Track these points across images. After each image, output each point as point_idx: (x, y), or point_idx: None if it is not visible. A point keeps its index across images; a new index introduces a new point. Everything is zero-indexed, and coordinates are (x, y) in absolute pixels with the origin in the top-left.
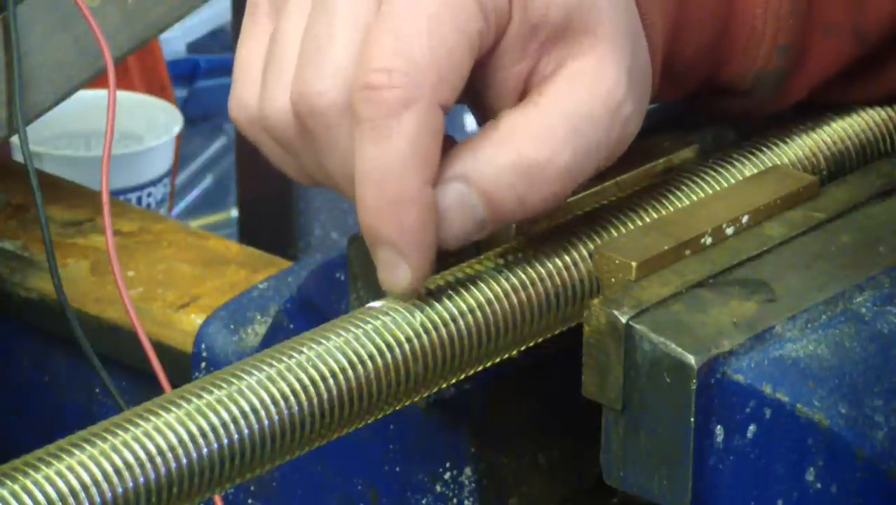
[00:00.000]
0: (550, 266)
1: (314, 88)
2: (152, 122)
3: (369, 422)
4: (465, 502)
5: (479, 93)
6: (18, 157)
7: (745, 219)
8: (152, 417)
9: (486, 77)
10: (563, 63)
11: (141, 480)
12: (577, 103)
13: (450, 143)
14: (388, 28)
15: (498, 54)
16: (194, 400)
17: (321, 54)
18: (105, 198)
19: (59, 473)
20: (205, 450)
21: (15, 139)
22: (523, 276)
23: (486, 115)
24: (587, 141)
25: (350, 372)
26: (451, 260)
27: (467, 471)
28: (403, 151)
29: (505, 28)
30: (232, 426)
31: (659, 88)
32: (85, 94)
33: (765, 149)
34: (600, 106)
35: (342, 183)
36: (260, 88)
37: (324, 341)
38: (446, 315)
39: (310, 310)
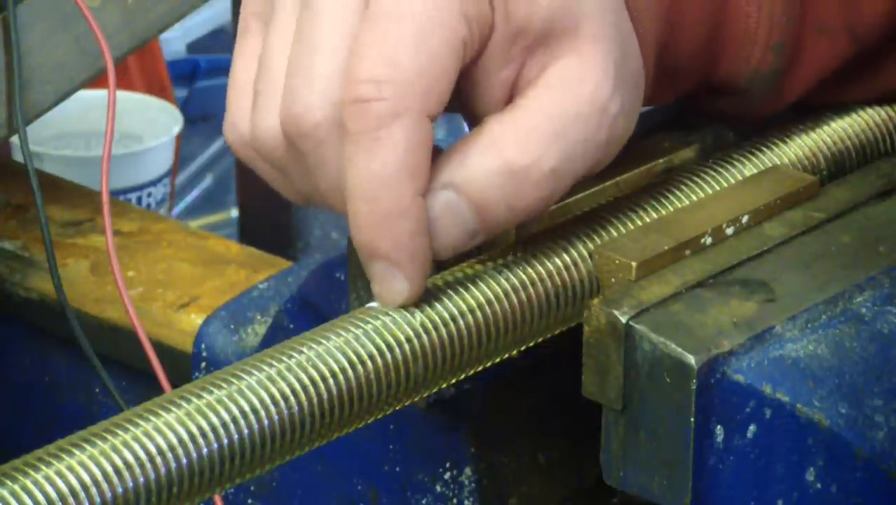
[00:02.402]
0: (550, 266)
1: (301, 108)
2: (152, 122)
3: (369, 422)
4: (465, 502)
5: (467, 100)
6: (18, 157)
7: (745, 219)
8: (152, 417)
9: (472, 84)
10: (548, 66)
11: (141, 480)
12: (561, 105)
13: (436, 151)
14: (375, 38)
15: (483, 61)
16: (194, 400)
17: (307, 71)
18: (105, 198)
19: (59, 473)
20: (205, 450)
21: (15, 139)
22: (523, 276)
23: (475, 122)
24: (573, 143)
25: (350, 372)
26: (451, 260)
27: (467, 471)
28: (394, 164)
29: (488, 36)
30: (232, 426)
31: (653, 90)
32: (85, 94)
33: (765, 149)
34: (585, 106)
35: (335, 201)
36: (250, 111)
37: (324, 341)
38: (446, 315)
39: (310, 310)
